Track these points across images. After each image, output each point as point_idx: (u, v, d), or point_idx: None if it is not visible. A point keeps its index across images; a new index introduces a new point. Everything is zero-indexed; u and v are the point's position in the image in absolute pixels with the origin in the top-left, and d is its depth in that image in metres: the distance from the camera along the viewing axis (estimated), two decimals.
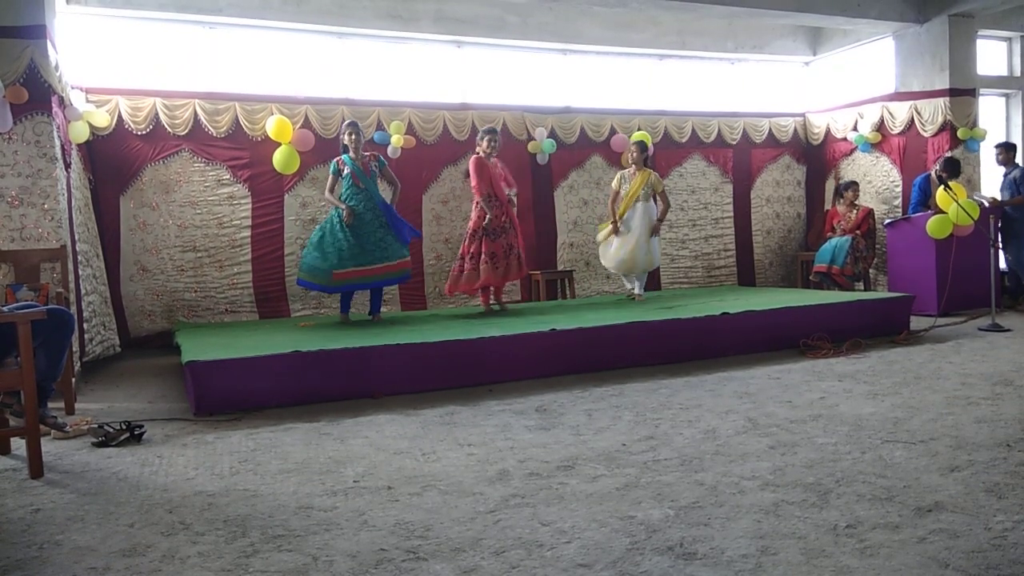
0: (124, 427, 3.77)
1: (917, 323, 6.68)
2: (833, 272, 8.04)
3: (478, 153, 6.46)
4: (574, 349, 5.24)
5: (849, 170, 9.19)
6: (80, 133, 5.86)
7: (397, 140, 7.39)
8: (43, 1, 5.20)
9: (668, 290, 8.63)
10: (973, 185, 8.33)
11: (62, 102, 5.56)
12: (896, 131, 8.66)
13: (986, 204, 7.25)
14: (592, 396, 4.51)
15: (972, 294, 7.21)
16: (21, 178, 5.10)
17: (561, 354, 5.19)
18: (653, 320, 5.64)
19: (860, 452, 3.22)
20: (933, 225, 7.17)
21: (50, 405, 3.63)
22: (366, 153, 6.23)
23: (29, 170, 5.12)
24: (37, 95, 5.13)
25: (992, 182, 8.83)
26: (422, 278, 7.79)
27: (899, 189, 8.69)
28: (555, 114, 8.33)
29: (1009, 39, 9.09)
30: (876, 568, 2.14)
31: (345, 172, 6.05)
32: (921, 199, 7.89)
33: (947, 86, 8.25)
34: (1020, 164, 7.96)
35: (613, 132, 8.46)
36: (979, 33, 8.52)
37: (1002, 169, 8.18)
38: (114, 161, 6.65)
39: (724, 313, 5.81)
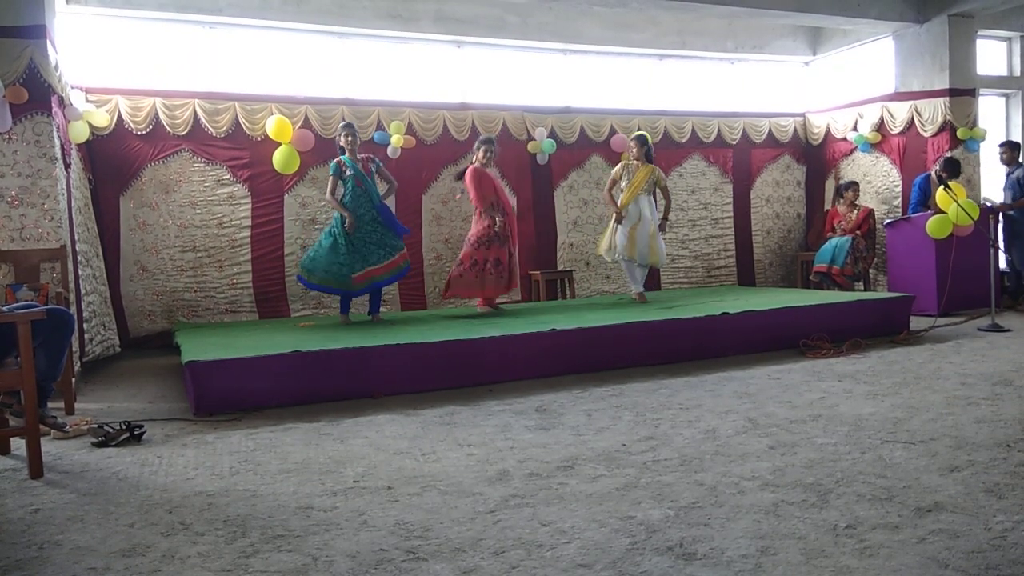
0: (124, 427, 3.77)
1: (917, 323, 6.69)
2: (833, 272, 8.04)
3: (474, 164, 6.45)
4: (574, 349, 5.24)
5: (849, 170, 9.20)
6: (80, 133, 5.86)
7: (397, 140, 7.39)
8: (43, 1, 5.20)
9: (668, 290, 8.63)
10: (973, 185, 8.34)
11: (62, 102, 5.56)
12: (896, 131, 8.66)
13: (989, 204, 7.24)
14: (592, 396, 4.51)
15: (972, 294, 7.21)
16: (21, 178, 5.10)
17: (561, 354, 5.19)
18: (653, 320, 5.64)
19: (860, 452, 3.22)
20: (933, 225, 7.17)
21: (50, 405, 3.63)
22: (362, 155, 6.23)
23: (29, 170, 5.12)
24: (37, 95, 5.13)
25: (992, 182, 8.84)
26: (422, 278, 7.79)
27: (899, 189, 8.69)
28: (555, 114, 8.33)
29: (1009, 39, 9.09)
30: (876, 568, 2.14)
31: (348, 174, 6.04)
32: (921, 199, 7.89)
33: (947, 86, 8.25)
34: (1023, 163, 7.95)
35: (613, 132, 8.46)
36: (979, 33, 8.52)
37: (1003, 169, 8.18)
38: (114, 161, 6.65)
39: (724, 313, 5.81)
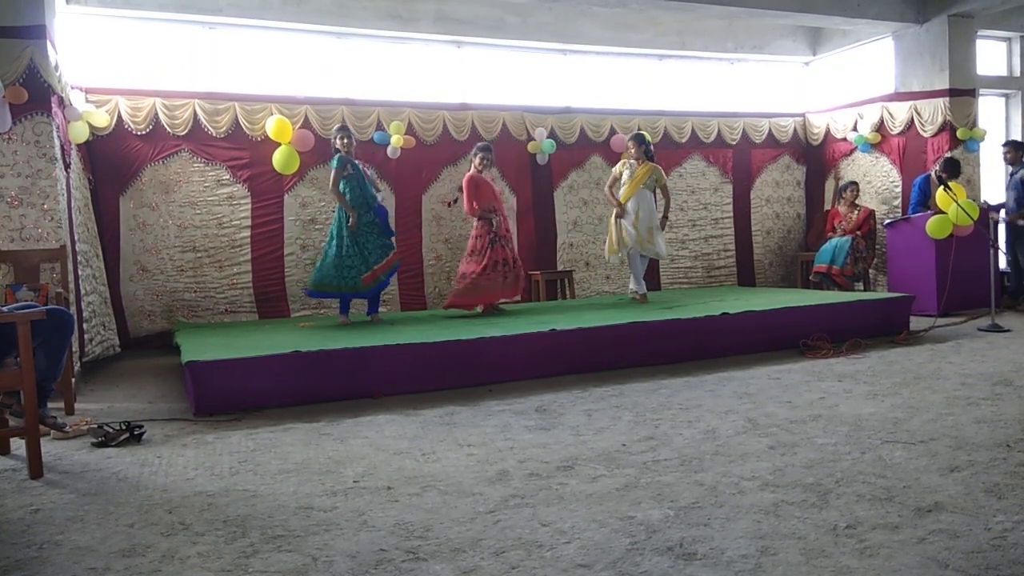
0: (124, 427, 3.77)
1: (917, 323, 6.68)
2: (833, 272, 8.04)
3: (471, 171, 6.46)
4: (574, 349, 5.24)
5: (849, 170, 9.20)
6: (80, 133, 5.86)
7: (397, 140, 7.39)
8: (43, 1, 5.20)
9: (668, 290, 8.63)
10: (973, 185, 8.34)
11: (62, 102, 5.56)
12: (896, 131, 8.66)
13: (999, 219, 7.23)
14: (592, 396, 4.51)
15: (972, 294, 7.21)
16: (21, 178, 5.10)
17: (561, 354, 5.19)
18: (653, 320, 5.64)
19: (860, 452, 3.22)
20: (933, 225, 7.17)
21: (50, 405, 3.63)
22: (357, 160, 6.23)
23: (29, 170, 5.12)
24: (37, 95, 5.13)
25: (992, 182, 8.84)
26: (422, 278, 7.79)
27: (899, 189, 8.69)
28: (555, 114, 8.33)
29: (1009, 39, 9.09)
30: (876, 568, 2.14)
31: (349, 172, 6.04)
32: (921, 199, 7.89)
33: (947, 86, 8.25)
34: None
35: (613, 132, 8.46)
36: (979, 33, 8.52)
37: (1003, 169, 8.18)
38: (114, 161, 6.65)
39: (724, 313, 5.81)
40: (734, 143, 9.21)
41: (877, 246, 8.43)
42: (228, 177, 7.03)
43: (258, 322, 6.80)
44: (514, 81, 8.48)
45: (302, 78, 7.59)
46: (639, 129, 8.18)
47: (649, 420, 3.90)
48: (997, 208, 7.75)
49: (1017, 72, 9.08)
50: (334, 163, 6.05)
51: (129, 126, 6.67)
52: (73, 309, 5.16)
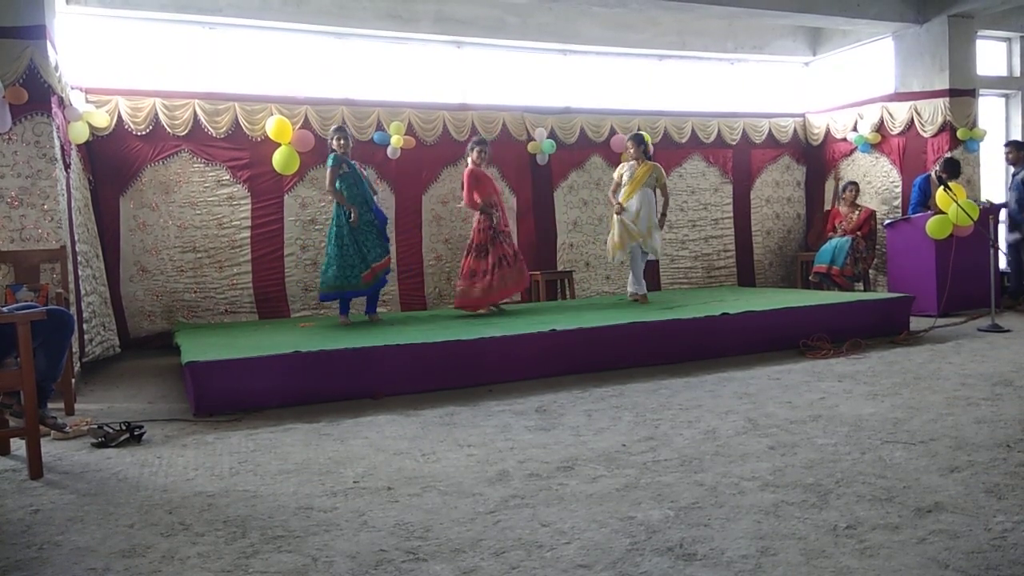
0: (124, 428, 3.77)
1: (917, 323, 6.68)
2: (833, 272, 8.04)
3: (469, 165, 6.46)
4: (574, 349, 5.24)
5: (849, 170, 9.20)
6: (80, 133, 5.86)
7: (397, 140, 7.39)
8: (43, 1, 5.20)
9: (668, 290, 8.63)
10: (973, 186, 8.34)
11: (62, 102, 5.56)
12: (896, 131, 8.66)
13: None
14: (592, 397, 4.51)
15: (972, 294, 7.21)
16: (21, 179, 5.10)
17: (561, 354, 5.19)
18: (653, 320, 5.64)
19: (860, 453, 3.22)
20: (933, 225, 7.16)
21: (50, 406, 3.63)
22: (354, 160, 6.24)
23: (29, 171, 5.12)
24: (37, 95, 5.13)
25: (992, 183, 8.84)
26: (422, 278, 7.79)
27: (899, 189, 8.69)
28: (555, 114, 8.33)
29: (1009, 39, 9.09)
30: (876, 569, 2.14)
31: (345, 171, 6.05)
32: (921, 199, 7.89)
33: (947, 86, 8.25)
34: None
35: (613, 132, 8.46)
36: (979, 33, 8.52)
37: (1003, 169, 8.18)
38: (114, 161, 6.65)
39: (724, 313, 5.81)
40: (734, 143, 9.21)
41: (877, 246, 8.44)
42: (228, 177, 7.03)
43: (258, 322, 6.80)
44: (514, 81, 8.48)
45: (302, 78, 7.59)
46: (639, 129, 8.19)
47: (649, 420, 3.90)
48: (999, 208, 7.75)
49: (1017, 72, 9.08)
50: (329, 162, 6.05)
51: (129, 126, 6.67)
52: (73, 309, 5.16)
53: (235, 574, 2.24)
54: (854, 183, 8.52)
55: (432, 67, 8.15)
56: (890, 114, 8.70)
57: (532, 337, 5.15)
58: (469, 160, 6.49)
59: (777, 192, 9.62)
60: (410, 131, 7.57)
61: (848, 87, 9.36)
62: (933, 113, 8.33)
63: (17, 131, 5.08)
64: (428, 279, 7.82)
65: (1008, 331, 6.41)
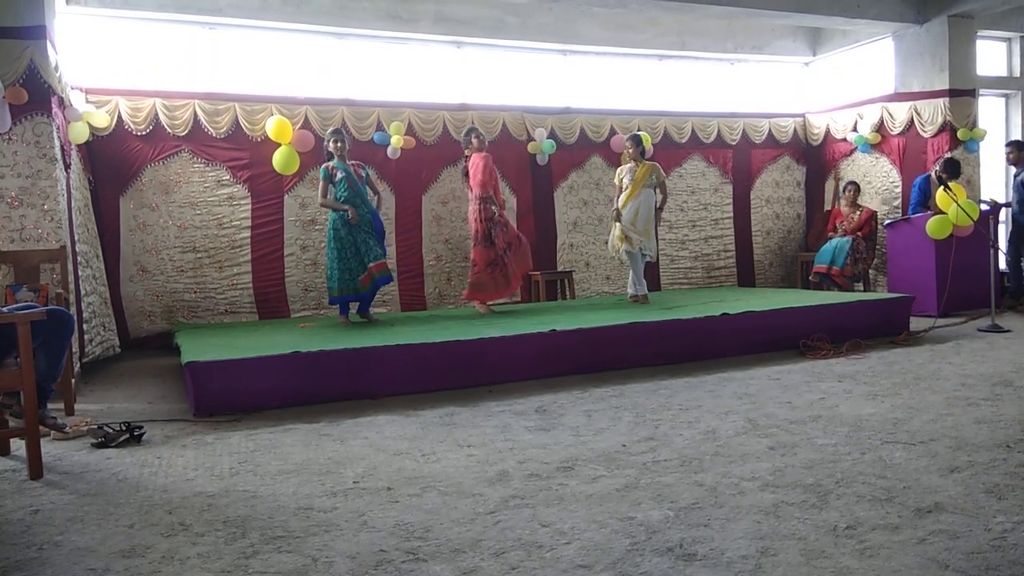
0: (124, 428, 3.77)
1: (917, 324, 6.68)
2: (833, 273, 8.04)
3: (480, 152, 6.46)
4: (574, 350, 5.24)
5: (849, 171, 9.20)
6: (80, 134, 5.86)
7: (397, 141, 7.39)
8: (43, 1, 5.20)
9: (668, 291, 8.63)
10: (973, 186, 8.33)
11: (62, 103, 5.56)
12: (896, 132, 8.66)
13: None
14: (592, 397, 4.51)
15: (972, 295, 7.21)
16: (21, 179, 5.10)
17: (561, 355, 5.18)
18: (653, 321, 5.64)
19: (860, 453, 3.22)
20: (933, 226, 7.16)
21: (50, 406, 3.63)
22: (352, 162, 6.24)
23: (29, 171, 5.12)
24: (37, 96, 5.13)
25: (992, 183, 8.84)
26: (422, 279, 7.79)
27: (899, 190, 8.69)
28: (555, 114, 8.33)
29: (1008, 40, 9.09)
30: (876, 569, 2.14)
31: (339, 176, 6.05)
32: (921, 200, 7.89)
33: (947, 87, 8.25)
34: None
35: (613, 132, 8.46)
36: (979, 34, 8.51)
37: (1003, 169, 8.18)
38: (114, 162, 6.65)
39: (724, 314, 5.81)
40: (734, 143, 9.21)
41: (877, 246, 8.43)
42: (228, 177, 7.03)
43: (258, 323, 6.80)
44: (514, 81, 8.48)
45: (302, 78, 7.59)
46: (639, 130, 8.20)
47: (649, 421, 3.90)
48: (1001, 207, 7.76)
49: (1017, 72, 9.08)
50: (320, 175, 6.10)
51: (129, 126, 6.67)
52: (73, 310, 5.16)
53: (235, 574, 2.24)
54: (854, 183, 8.52)
55: (432, 67, 8.14)
56: (890, 114, 8.69)
57: (532, 337, 5.15)
58: (473, 147, 6.49)
59: (777, 192, 9.62)
60: (410, 131, 7.57)
61: (848, 87, 9.36)
62: (933, 113, 8.33)
63: (17, 131, 5.08)
64: (428, 279, 7.81)
65: (1008, 331, 6.41)
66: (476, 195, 6.41)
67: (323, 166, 6.14)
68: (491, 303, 6.61)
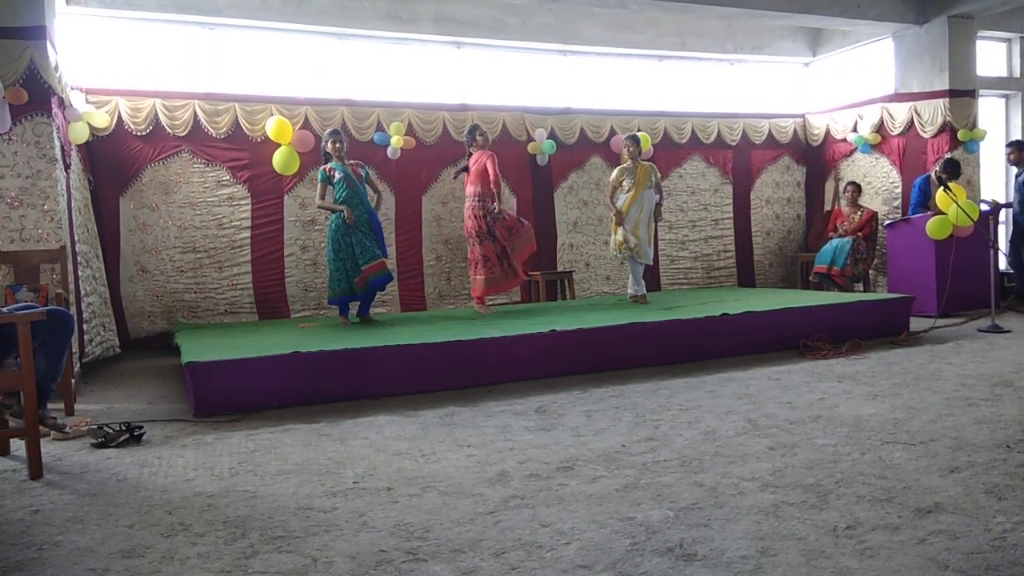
0: (124, 428, 3.77)
1: (917, 324, 6.68)
2: (833, 273, 8.04)
3: (485, 149, 6.48)
4: (574, 350, 5.24)
5: (849, 171, 9.19)
6: (80, 134, 5.86)
7: (397, 141, 7.39)
8: (43, 2, 5.20)
9: (668, 291, 8.63)
10: (973, 186, 8.33)
11: (62, 103, 5.56)
12: (896, 132, 8.66)
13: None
14: (592, 397, 4.51)
15: (972, 295, 7.21)
16: (21, 179, 5.10)
17: (561, 355, 5.18)
18: (653, 321, 5.64)
19: (860, 453, 3.22)
20: (933, 226, 7.16)
21: (50, 406, 3.63)
22: (351, 161, 6.24)
23: (29, 171, 5.12)
24: (37, 96, 5.13)
25: (991, 183, 8.84)
26: (422, 279, 7.78)
27: (899, 190, 8.69)
28: (555, 115, 8.33)
29: (1009, 40, 9.09)
30: (876, 569, 2.14)
31: (338, 177, 6.06)
32: (921, 200, 7.89)
33: (947, 87, 8.25)
34: None
35: (613, 133, 8.46)
36: (979, 34, 8.51)
37: (1003, 169, 8.17)
38: (114, 162, 6.65)
39: (724, 314, 5.81)
40: (734, 144, 9.21)
41: (877, 247, 8.43)
42: (228, 178, 7.03)
43: (258, 323, 6.80)
44: (514, 82, 8.48)
45: (302, 79, 7.59)
46: (639, 130, 8.19)
47: (649, 421, 3.90)
48: (1001, 208, 7.76)
49: (1017, 73, 9.08)
50: (318, 177, 6.12)
51: (129, 127, 6.67)
52: (73, 310, 5.16)
53: (235, 574, 2.24)
54: (855, 183, 8.52)
55: (432, 67, 8.14)
56: (890, 115, 8.69)
57: (532, 337, 5.15)
58: (477, 144, 6.51)
59: (777, 193, 9.62)
60: (410, 131, 7.57)
61: (848, 88, 9.35)
62: (933, 114, 8.33)
63: (17, 131, 5.08)
64: (428, 279, 7.81)
65: (1008, 332, 6.41)
66: (480, 192, 6.42)
67: (320, 168, 6.15)
68: (491, 302, 6.62)
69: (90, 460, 3.47)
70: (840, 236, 8.23)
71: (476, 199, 6.45)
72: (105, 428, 3.75)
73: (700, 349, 5.62)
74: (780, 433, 3.58)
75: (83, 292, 5.62)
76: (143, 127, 6.70)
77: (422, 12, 7.74)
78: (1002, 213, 7.95)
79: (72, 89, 5.97)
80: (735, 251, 9.33)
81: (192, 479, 3.15)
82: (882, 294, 7.88)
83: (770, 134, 9.44)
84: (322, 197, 6.09)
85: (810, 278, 8.55)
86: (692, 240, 9.08)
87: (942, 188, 6.98)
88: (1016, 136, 8.84)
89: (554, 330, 5.21)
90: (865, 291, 8.26)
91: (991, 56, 8.99)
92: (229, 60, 7.34)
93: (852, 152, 9.15)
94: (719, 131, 9.09)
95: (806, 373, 5.04)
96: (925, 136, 8.42)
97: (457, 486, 2.96)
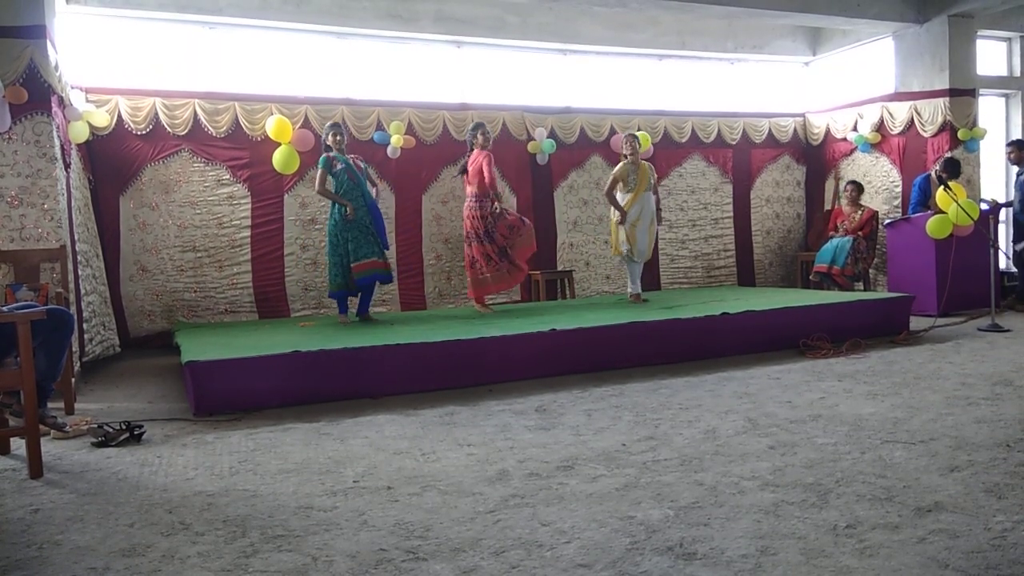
0: (124, 427, 3.77)
1: (917, 323, 6.69)
2: (833, 272, 8.04)
3: (485, 148, 6.47)
4: (574, 349, 5.24)
5: (849, 170, 9.19)
6: (80, 133, 5.86)
7: (397, 140, 7.39)
8: (43, 1, 5.20)
9: (668, 290, 8.63)
10: (973, 185, 8.33)
11: (62, 102, 5.56)
12: (896, 131, 8.66)
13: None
14: (592, 396, 4.51)
15: (972, 294, 7.21)
16: (21, 178, 5.10)
17: (561, 354, 5.19)
18: (653, 320, 5.64)
19: (860, 452, 3.22)
20: (933, 225, 7.16)
21: (50, 405, 3.63)
22: (351, 155, 6.24)
23: (29, 170, 5.12)
24: (37, 95, 5.12)
25: (992, 182, 8.84)
26: (422, 278, 7.78)
27: (899, 189, 8.68)
28: (555, 114, 8.33)
29: (1009, 39, 9.09)
30: (876, 568, 2.14)
31: (339, 167, 6.06)
32: (921, 199, 7.89)
33: (947, 86, 8.25)
34: None
35: (613, 132, 8.45)
36: (979, 33, 8.51)
37: (1003, 168, 8.16)
38: (114, 161, 6.65)
39: (724, 313, 5.81)
40: (734, 143, 9.21)
41: (877, 246, 8.43)
42: (228, 177, 7.03)
43: (258, 322, 6.80)
44: (514, 81, 8.48)
45: (302, 78, 7.59)
46: (639, 129, 8.20)
47: (649, 420, 3.90)
48: (1001, 207, 7.75)
49: (1017, 72, 9.07)
50: (319, 164, 6.10)
51: (129, 126, 6.67)
52: (73, 309, 5.16)
53: (235, 573, 2.24)
54: (856, 182, 8.52)
55: (432, 67, 8.14)
56: (890, 114, 8.69)
57: (532, 337, 5.15)
58: (478, 143, 6.50)
59: (777, 192, 9.62)
60: (410, 131, 7.57)
61: (848, 87, 9.35)
62: (933, 113, 8.33)
63: (17, 131, 5.08)
64: (428, 279, 7.81)
65: (1008, 331, 6.41)
66: (477, 192, 6.42)
67: (323, 155, 6.12)
68: (491, 301, 6.61)
69: (90, 459, 3.47)
70: (840, 235, 8.23)
71: (474, 199, 6.46)
72: (105, 427, 3.75)
73: (700, 348, 5.62)
74: (780, 432, 3.58)
75: (83, 291, 5.62)
76: (143, 126, 6.70)
77: (422, 11, 7.74)
78: (1002, 212, 7.94)
79: (72, 88, 5.97)
80: (735, 250, 9.34)
81: (192, 478, 3.15)
82: (882, 293, 7.88)
83: (770, 133, 9.44)
84: (322, 184, 6.07)
85: (810, 277, 8.55)
86: (692, 239, 9.08)
87: (942, 187, 6.98)
88: (1016, 135, 8.83)
89: (554, 329, 5.21)
90: (865, 290, 8.26)
91: (991, 55, 8.99)
92: (229, 59, 7.34)
93: (852, 151, 9.15)
94: (719, 130, 9.09)
95: (806, 372, 5.04)
96: (925, 135, 8.42)
97: (457, 485, 2.96)
